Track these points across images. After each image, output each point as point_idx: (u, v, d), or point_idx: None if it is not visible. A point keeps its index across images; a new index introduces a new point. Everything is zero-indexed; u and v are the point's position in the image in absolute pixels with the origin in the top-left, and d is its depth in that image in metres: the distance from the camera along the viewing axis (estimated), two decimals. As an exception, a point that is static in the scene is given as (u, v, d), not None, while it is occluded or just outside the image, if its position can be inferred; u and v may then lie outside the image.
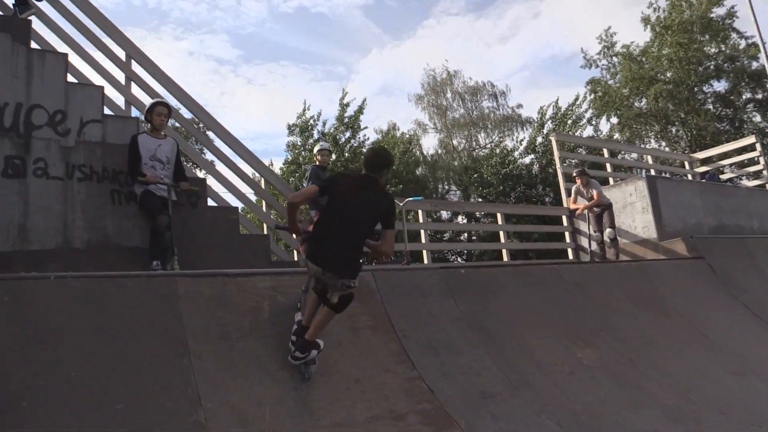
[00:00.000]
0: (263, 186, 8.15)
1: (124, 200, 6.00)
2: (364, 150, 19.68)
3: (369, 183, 4.13)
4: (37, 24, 6.64)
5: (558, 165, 11.43)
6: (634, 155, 19.29)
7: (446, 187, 25.32)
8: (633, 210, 10.22)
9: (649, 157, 15.09)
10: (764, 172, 14.42)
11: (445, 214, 19.12)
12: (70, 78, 6.27)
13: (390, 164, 4.35)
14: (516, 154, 22.52)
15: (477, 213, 19.01)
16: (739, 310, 8.22)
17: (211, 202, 6.97)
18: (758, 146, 14.60)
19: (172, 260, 5.70)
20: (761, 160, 14.65)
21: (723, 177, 15.46)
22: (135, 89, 7.25)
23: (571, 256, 10.97)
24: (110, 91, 6.87)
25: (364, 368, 4.49)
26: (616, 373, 5.76)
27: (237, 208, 7.00)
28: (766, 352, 7.18)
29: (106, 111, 6.39)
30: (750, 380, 6.31)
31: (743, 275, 9.21)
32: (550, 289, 6.72)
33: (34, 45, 6.19)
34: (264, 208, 8.10)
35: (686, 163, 15.18)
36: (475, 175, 21.94)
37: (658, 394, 5.58)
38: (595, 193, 9.57)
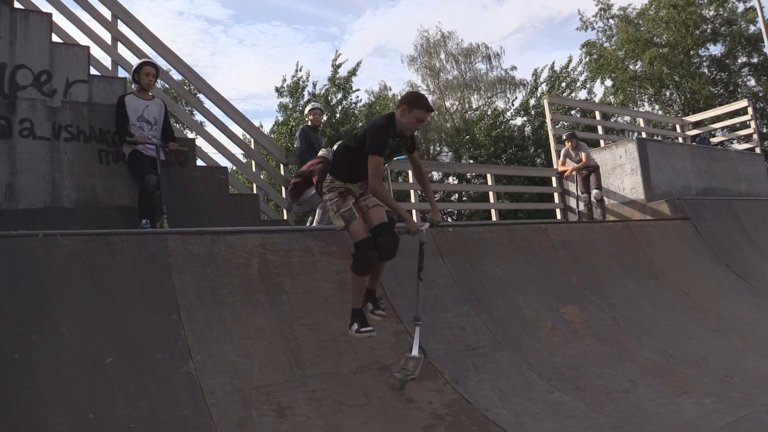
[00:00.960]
0: (253, 147, 8.14)
1: (112, 160, 6.00)
2: (356, 111, 19.56)
3: None
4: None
5: (550, 127, 11.42)
6: (627, 118, 19.26)
7: (438, 148, 25.25)
8: (622, 172, 10.29)
9: (641, 120, 15.08)
10: (754, 136, 14.47)
11: (436, 175, 19.14)
12: (55, 38, 6.17)
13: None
14: (508, 114, 22.42)
15: (468, 174, 19.06)
16: (722, 271, 8.37)
17: (200, 163, 6.98)
18: (750, 110, 14.61)
19: (162, 219, 5.74)
20: (752, 124, 14.67)
21: (714, 140, 15.49)
22: (122, 49, 7.16)
23: (559, 217, 11.08)
24: (96, 52, 6.79)
25: (350, 323, 4.59)
26: (598, 330, 5.91)
27: (226, 168, 7.01)
28: (745, 311, 7.36)
29: (93, 71, 6.32)
30: (727, 337, 6.49)
31: (728, 237, 9.35)
32: (538, 248, 6.82)
33: (17, 5, 6.09)
34: (254, 169, 8.11)
35: (678, 127, 15.18)
36: (467, 137, 21.90)
37: (637, 349, 5.74)
38: (583, 155, 9.65)
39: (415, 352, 3.92)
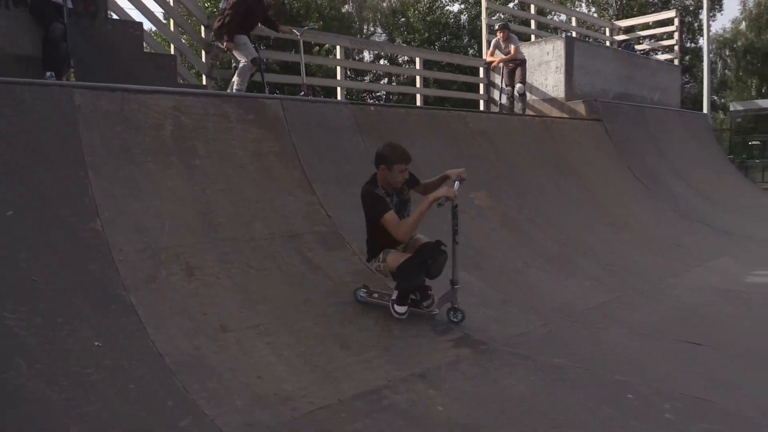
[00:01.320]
0: (172, 4, 7.57)
1: (12, 4, 5.44)
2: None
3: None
4: None
5: (484, 15, 11.26)
6: (563, 17, 19.21)
7: (372, 29, 24.42)
8: (547, 69, 10.45)
9: (574, 20, 15.12)
10: (676, 48, 14.94)
11: (367, 56, 18.66)
12: None
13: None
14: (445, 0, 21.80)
15: (400, 59, 18.73)
16: (625, 172, 8.97)
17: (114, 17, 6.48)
18: (676, 21, 14.94)
19: (68, 73, 5.39)
20: (676, 36, 15.08)
21: (639, 48, 15.84)
22: None
23: (482, 108, 11.25)
24: None
25: (265, 190, 4.64)
26: (504, 216, 6.28)
27: (141, 23, 6.53)
28: (640, 211, 8.03)
29: None
30: (619, 232, 7.10)
31: (635, 141, 9.92)
32: (456, 135, 6.99)
33: None
34: (172, 28, 7.62)
35: (607, 30, 15.38)
36: (402, 20, 21.27)
37: (538, 236, 6.19)
38: (512, 48, 9.67)
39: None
